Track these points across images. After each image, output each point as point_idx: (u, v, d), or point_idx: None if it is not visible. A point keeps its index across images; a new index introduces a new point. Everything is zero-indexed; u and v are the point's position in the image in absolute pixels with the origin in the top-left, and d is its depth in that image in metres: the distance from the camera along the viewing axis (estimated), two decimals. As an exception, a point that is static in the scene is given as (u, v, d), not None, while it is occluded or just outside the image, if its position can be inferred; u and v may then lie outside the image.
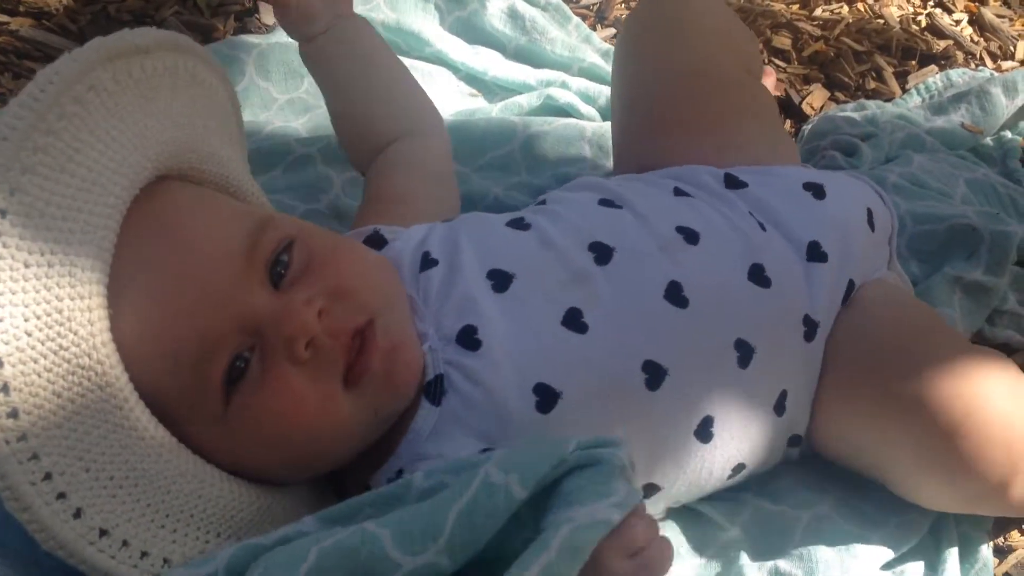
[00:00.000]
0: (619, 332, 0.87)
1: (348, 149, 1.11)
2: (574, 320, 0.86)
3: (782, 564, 0.90)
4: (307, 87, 1.32)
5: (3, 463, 0.69)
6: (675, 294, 0.89)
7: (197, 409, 0.78)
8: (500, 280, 0.88)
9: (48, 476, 0.71)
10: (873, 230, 1.02)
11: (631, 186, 1.00)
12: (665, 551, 0.72)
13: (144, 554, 0.76)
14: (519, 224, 0.94)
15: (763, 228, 0.95)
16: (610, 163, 1.29)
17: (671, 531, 0.95)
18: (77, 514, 0.73)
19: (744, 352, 0.89)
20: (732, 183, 1.00)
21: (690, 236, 0.93)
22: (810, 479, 0.99)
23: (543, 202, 1.00)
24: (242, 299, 0.78)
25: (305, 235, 0.84)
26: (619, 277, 0.89)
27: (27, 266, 0.71)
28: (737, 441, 0.91)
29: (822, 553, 0.91)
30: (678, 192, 0.98)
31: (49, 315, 0.72)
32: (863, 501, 0.98)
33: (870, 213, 1.02)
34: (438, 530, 0.69)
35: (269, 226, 0.82)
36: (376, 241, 0.93)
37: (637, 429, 0.85)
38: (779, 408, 0.92)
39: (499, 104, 1.34)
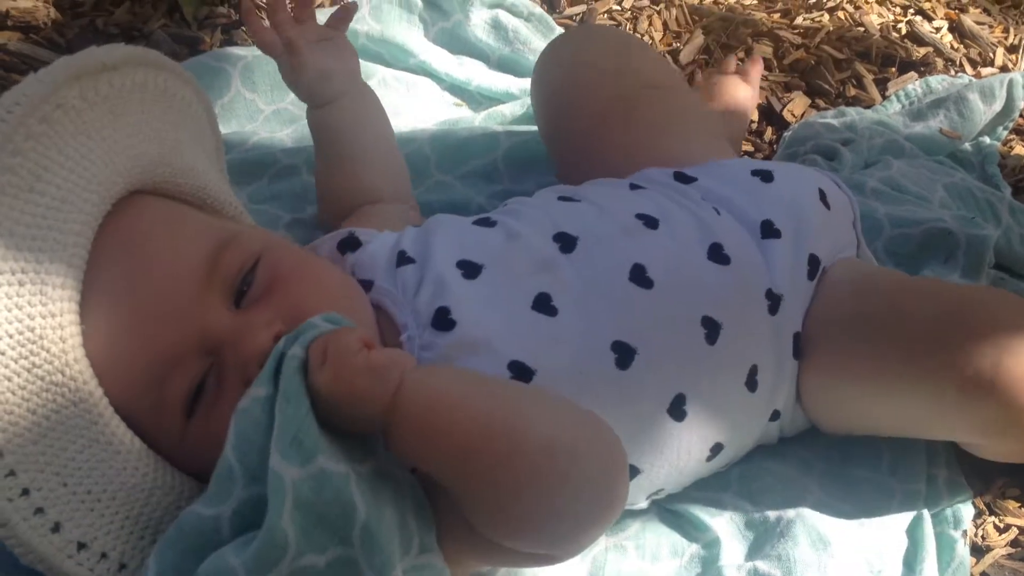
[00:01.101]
0: (587, 314, 0.88)
1: (324, 201, 1.13)
2: (544, 304, 0.88)
3: (761, 565, 0.91)
4: (292, 99, 1.33)
5: None
6: (640, 275, 0.91)
7: (162, 424, 0.79)
8: (469, 269, 0.89)
9: (25, 492, 0.73)
10: (828, 208, 1.03)
11: (588, 187, 1.03)
12: (343, 337, 0.73)
13: (123, 566, 0.77)
14: (486, 222, 0.96)
15: (717, 212, 0.98)
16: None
17: (652, 532, 0.96)
18: (55, 528, 0.74)
19: (711, 329, 0.91)
20: (682, 179, 1.03)
21: (649, 222, 0.95)
22: (789, 480, 1.00)
23: (506, 203, 1.03)
24: (199, 318, 0.79)
25: (271, 253, 0.84)
26: (585, 263, 0.91)
27: None
28: (711, 419, 0.92)
29: (800, 553, 0.92)
30: (633, 187, 1.02)
31: (21, 333, 0.73)
32: (842, 501, 1.00)
33: (822, 193, 1.04)
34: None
35: (232, 244, 0.82)
36: (351, 243, 0.95)
37: (611, 408, 0.85)
38: (751, 384, 0.94)
39: (483, 113, 1.36)
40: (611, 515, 0.76)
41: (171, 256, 0.80)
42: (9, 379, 0.72)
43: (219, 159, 0.98)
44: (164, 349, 0.78)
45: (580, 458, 0.73)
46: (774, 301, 0.96)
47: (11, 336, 0.72)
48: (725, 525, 0.96)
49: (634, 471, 0.90)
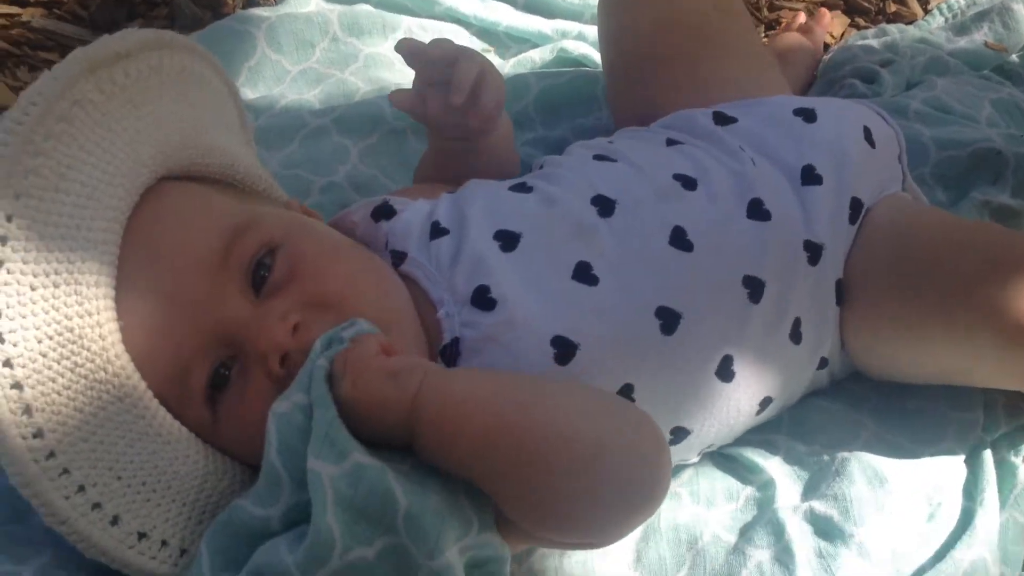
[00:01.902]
0: (629, 281, 0.87)
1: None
2: (584, 273, 0.86)
3: (817, 505, 0.90)
4: (319, 57, 1.32)
5: (35, 482, 0.72)
6: (680, 239, 0.89)
7: (192, 415, 0.79)
8: (507, 240, 0.88)
9: (81, 488, 0.74)
10: (873, 147, 1.01)
11: (623, 142, 1.00)
12: (361, 345, 0.74)
13: (183, 551, 0.78)
14: (521, 188, 0.94)
15: (754, 163, 0.96)
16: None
17: (705, 478, 0.95)
18: (114, 521, 0.75)
19: (754, 288, 0.90)
20: (721, 120, 1.00)
21: (687, 183, 0.93)
22: (842, 417, 0.99)
23: (541, 165, 1.01)
24: (216, 311, 0.78)
25: (294, 239, 0.82)
26: (623, 227, 0.89)
27: (33, 288, 0.72)
28: (759, 376, 0.91)
29: (857, 491, 0.91)
30: (670, 142, 0.99)
31: (60, 335, 0.73)
32: (897, 434, 0.98)
33: (867, 131, 1.01)
34: None
35: (249, 230, 0.81)
36: (385, 211, 0.93)
37: (658, 375, 0.86)
38: (795, 336, 0.93)
39: (512, 60, 1.33)
40: (650, 504, 0.75)
41: (187, 248, 0.79)
42: (53, 380, 0.73)
43: (244, 131, 0.97)
44: (181, 345, 0.77)
45: (607, 451, 0.72)
46: (814, 252, 0.94)
47: (51, 338, 0.73)
48: (779, 466, 0.95)
49: (684, 432, 0.89)
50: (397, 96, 0.97)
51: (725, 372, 0.89)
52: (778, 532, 0.89)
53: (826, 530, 0.89)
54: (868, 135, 1.01)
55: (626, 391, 0.86)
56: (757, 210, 0.92)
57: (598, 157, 0.97)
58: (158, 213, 0.80)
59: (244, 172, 0.90)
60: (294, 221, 0.87)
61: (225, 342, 0.79)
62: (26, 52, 1.33)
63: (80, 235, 0.75)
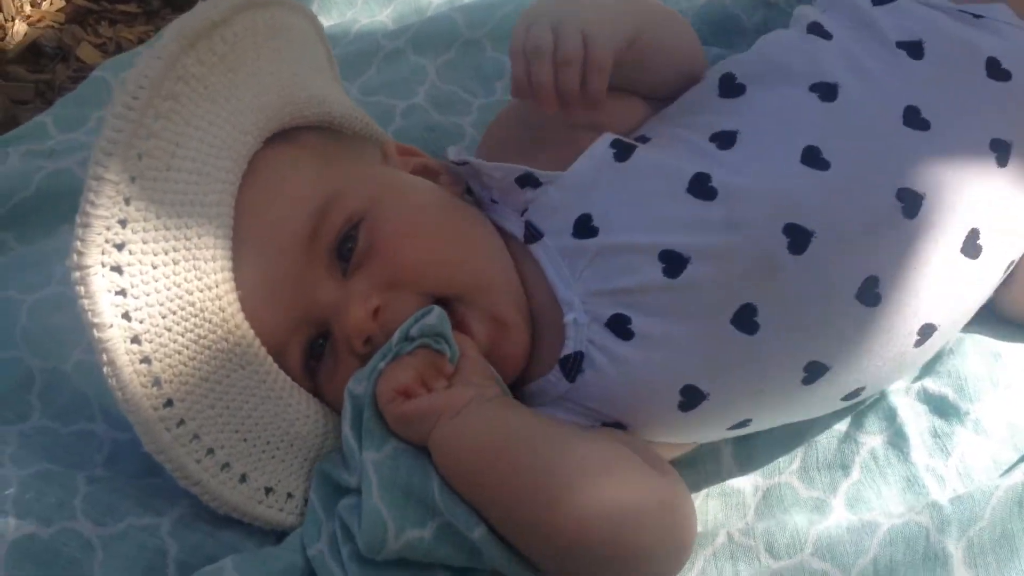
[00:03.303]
0: (793, 332, 0.81)
1: None
2: (745, 319, 0.80)
3: (929, 384, 0.89)
4: (388, -26, 1.31)
5: (168, 449, 0.76)
6: (869, 290, 0.81)
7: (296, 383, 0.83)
8: (671, 264, 0.80)
9: (210, 451, 0.78)
10: None
11: (849, 109, 0.86)
12: (381, 385, 0.77)
13: (307, 501, 0.82)
14: (703, 190, 0.82)
15: (1004, 163, 0.85)
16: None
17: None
18: (243, 479, 0.80)
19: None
20: (995, 72, 0.88)
21: (911, 205, 0.81)
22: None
23: (732, 136, 0.85)
24: (304, 294, 0.81)
25: (376, 211, 0.82)
26: (812, 272, 0.80)
27: (154, 267, 0.76)
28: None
29: (970, 367, 0.89)
30: (910, 119, 0.85)
31: (183, 309, 0.77)
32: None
33: None
34: None
35: (335, 206, 0.81)
36: (529, 181, 0.87)
37: (778, 413, 0.86)
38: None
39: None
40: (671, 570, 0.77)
41: (279, 228, 0.81)
42: (179, 352, 0.77)
43: (333, 69, 0.98)
44: (278, 322, 0.81)
45: (621, 528, 0.74)
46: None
47: (174, 313, 0.76)
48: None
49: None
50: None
51: (851, 396, 0.86)
52: (890, 416, 0.88)
53: (941, 409, 0.88)
54: None
55: (743, 423, 0.85)
56: (971, 244, 0.84)
57: (808, 156, 0.83)
58: (256, 191, 0.81)
59: (341, 116, 0.90)
60: (380, 185, 0.86)
61: (316, 322, 0.82)
62: (104, 7, 1.35)
63: (194, 211, 0.77)
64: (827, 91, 0.87)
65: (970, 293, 0.86)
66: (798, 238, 0.80)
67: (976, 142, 0.85)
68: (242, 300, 0.79)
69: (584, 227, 0.83)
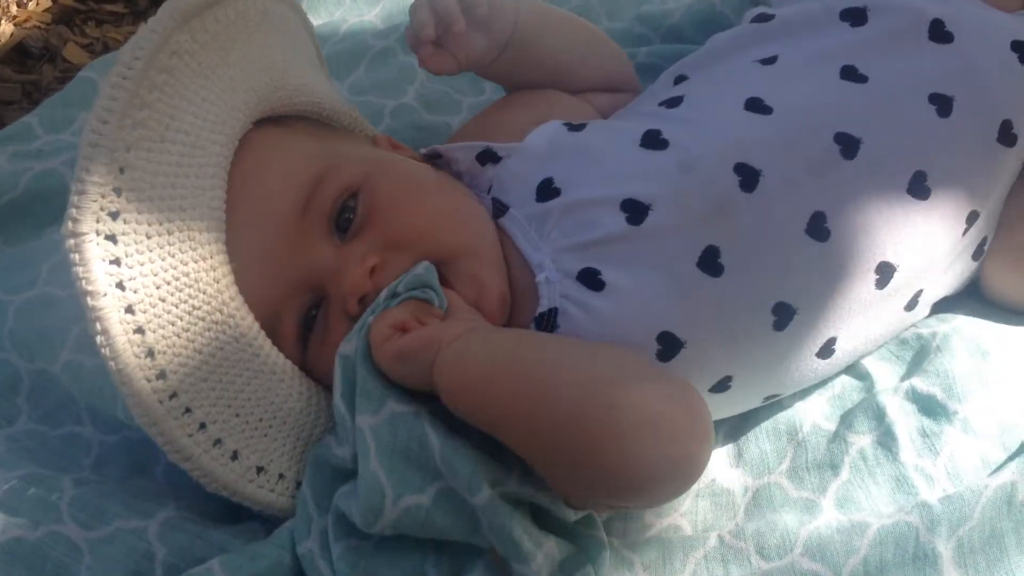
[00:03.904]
0: (757, 272, 0.83)
1: None
2: (710, 262, 0.82)
3: (918, 383, 0.89)
4: (375, -26, 1.31)
5: (160, 421, 0.76)
6: (818, 226, 0.84)
7: (288, 356, 0.82)
8: (635, 212, 0.82)
9: (202, 426, 0.78)
10: None
11: (789, 60, 0.92)
12: (376, 326, 0.77)
13: (299, 484, 0.82)
14: (655, 141, 0.87)
15: (946, 114, 0.88)
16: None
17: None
18: (234, 456, 0.79)
19: (884, 273, 0.86)
20: (938, 34, 0.91)
21: (849, 147, 0.85)
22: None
23: (679, 100, 0.92)
24: (299, 260, 0.81)
25: (372, 181, 0.83)
26: (764, 207, 0.83)
27: (148, 237, 0.76)
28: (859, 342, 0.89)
29: (959, 366, 0.89)
30: (847, 72, 0.89)
31: (177, 279, 0.76)
32: (998, 309, 0.96)
33: None
34: None
35: (330, 177, 0.82)
36: (489, 156, 0.90)
37: (758, 365, 0.85)
38: (911, 306, 0.90)
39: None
40: (687, 465, 0.72)
41: (273, 197, 0.81)
42: (173, 323, 0.76)
43: (323, 66, 0.99)
44: (273, 288, 0.80)
45: (625, 410, 0.70)
46: (971, 223, 0.90)
47: (168, 283, 0.76)
48: (876, 353, 0.94)
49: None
50: (428, 64, 0.95)
51: (826, 351, 0.87)
52: (879, 416, 0.88)
53: (929, 408, 0.88)
54: None
55: (724, 382, 0.84)
56: (919, 187, 0.87)
57: (751, 104, 0.88)
58: (249, 165, 0.82)
59: (330, 109, 0.91)
60: (374, 161, 0.88)
61: (311, 287, 0.82)
62: (91, 7, 1.35)
63: (189, 183, 0.78)
64: (767, 60, 0.92)
65: (928, 234, 0.87)
66: (748, 177, 0.83)
67: (913, 95, 0.89)
68: (235, 272, 0.79)
69: (547, 190, 0.86)
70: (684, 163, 0.85)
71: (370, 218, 0.83)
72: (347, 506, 0.76)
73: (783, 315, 0.83)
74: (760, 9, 1.01)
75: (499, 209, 0.88)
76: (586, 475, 0.71)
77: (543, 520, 0.77)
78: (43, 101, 1.15)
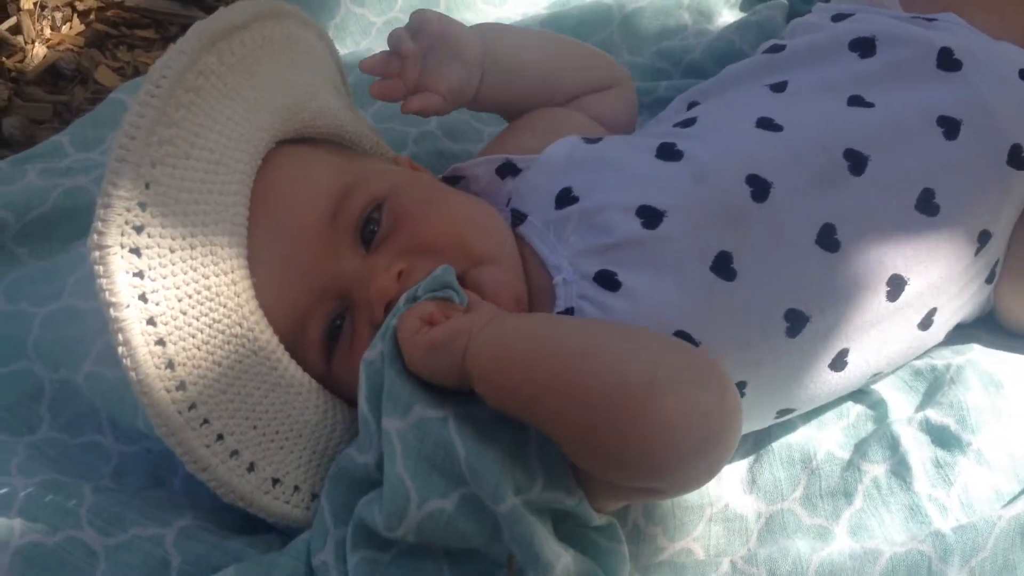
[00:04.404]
0: (769, 278, 0.84)
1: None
2: (723, 266, 0.84)
3: (932, 414, 0.90)
4: (401, 6, 1.33)
5: (179, 431, 0.77)
6: (827, 237, 0.86)
7: (310, 367, 0.83)
8: (650, 218, 0.85)
9: (220, 437, 0.78)
10: None
11: (800, 88, 0.95)
12: (403, 321, 0.77)
13: (315, 496, 0.83)
14: (670, 153, 0.90)
15: (953, 136, 0.90)
16: (712, 27, 1.26)
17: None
18: (251, 468, 0.80)
19: (895, 286, 0.87)
20: (946, 62, 0.94)
21: (857, 164, 0.88)
22: (955, 332, 0.97)
23: (692, 121, 0.95)
24: (326, 267, 0.82)
25: (396, 193, 0.85)
26: (775, 217, 0.85)
27: (172, 251, 0.77)
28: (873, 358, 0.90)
29: (972, 398, 0.90)
30: (854, 101, 0.92)
31: (199, 292, 0.78)
32: (1016, 339, 0.97)
33: None
34: None
35: (356, 189, 0.84)
36: (509, 169, 0.93)
37: (776, 373, 0.86)
38: (925, 325, 0.91)
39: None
40: (714, 452, 0.72)
41: (300, 212, 0.83)
42: (193, 336, 0.77)
43: (347, 93, 1.00)
44: (296, 302, 0.82)
45: (660, 389, 0.69)
46: (983, 242, 0.91)
47: (190, 296, 0.77)
48: (889, 382, 0.94)
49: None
50: (412, 107, 0.97)
51: (839, 363, 0.88)
52: (893, 445, 0.88)
53: (943, 439, 0.88)
54: None
55: (739, 387, 0.84)
56: (927, 203, 0.88)
57: (762, 123, 0.91)
58: (275, 178, 0.84)
59: (352, 132, 0.93)
60: (398, 176, 0.90)
61: (337, 295, 0.83)
62: (123, 32, 1.38)
63: (212, 199, 0.79)
64: (777, 86, 0.95)
65: (938, 250, 0.89)
66: (759, 187, 0.86)
67: (921, 118, 0.91)
68: (257, 285, 0.80)
69: (565, 199, 0.88)
70: (698, 174, 0.87)
71: (396, 227, 0.84)
72: (369, 513, 0.76)
73: (796, 322, 0.84)
74: (773, 41, 1.04)
75: (518, 218, 0.90)
76: (624, 449, 0.70)
77: (564, 534, 0.78)
78: (74, 121, 1.17)
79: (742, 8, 1.31)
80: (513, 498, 0.73)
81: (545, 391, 0.73)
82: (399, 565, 0.77)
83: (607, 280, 0.84)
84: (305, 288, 0.82)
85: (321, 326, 0.83)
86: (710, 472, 0.74)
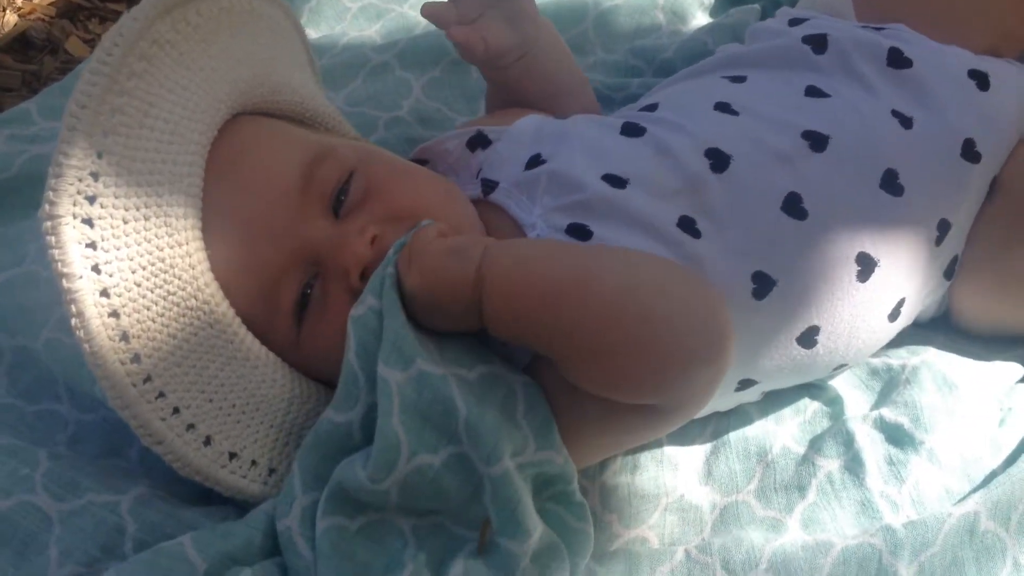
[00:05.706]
0: (732, 242, 0.86)
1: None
2: (688, 227, 0.86)
3: (887, 413, 0.91)
4: (377, -9, 1.33)
5: (133, 404, 0.76)
6: (794, 205, 0.87)
7: (276, 336, 0.82)
8: (615, 183, 0.87)
9: (176, 410, 0.77)
10: None
11: (756, 83, 0.97)
12: (420, 233, 0.78)
13: (272, 471, 0.82)
14: (634, 130, 0.93)
15: (908, 127, 0.92)
16: (686, 28, 1.27)
17: (771, 395, 0.96)
18: (207, 442, 0.79)
19: (865, 265, 0.88)
20: (896, 61, 0.96)
21: (817, 142, 0.90)
22: (910, 331, 0.98)
23: (654, 106, 0.98)
24: (298, 232, 0.81)
25: (366, 165, 0.85)
26: (735, 186, 0.87)
27: (125, 222, 0.76)
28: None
29: (927, 398, 0.91)
30: (811, 91, 0.95)
31: (153, 264, 0.77)
32: (969, 341, 0.99)
33: None
34: None
35: (328, 158, 0.84)
36: (480, 140, 0.95)
37: (743, 338, 0.85)
38: (894, 316, 0.92)
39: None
40: (713, 353, 0.76)
41: (269, 174, 0.82)
42: (148, 308, 0.76)
43: (313, 71, 1.00)
44: (269, 263, 0.81)
45: (664, 295, 0.75)
46: (943, 232, 0.93)
47: (144, 268, 0.76)
48: (846, 379, 0.96)
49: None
50: (458, 36, 0.97)
51: (808, 340, 0.89)
52: (848, 442, 0.90)
53: (896, 437, 0.90)
54: None
55: None
56: (891, 183, 0.90)
57: (720, 107, 0.93)
58: (237, 146, 0.83)
59: (313, 110, 0.92)
60: (366, 149, 0.90)
61: (309, 260, 0.82)
62: (95, 4, 1.36)
63: (166, 169, 0.78)
64: (736, 78, 0.98)
65: (904, 232, 0.90)
66: (718, 160, 0.88)
67: (877, 108, 0.93)
68: (224, 254, 0.79)
69: (535, 163, 0.90)
70: (659, 148, 0.90)
71: (367, 196, 0.84)
72: (350, 472, 0.75)
73: (762, 284, 0.86)
74: (733, 45, 1.06)
75: (488, 187, 0.90)
76: (632, 357, 0.74)
77: (536, 509, 0.78)
78: (42, 90, 1.16)
79: (712, 14, 1.32)
80: (508, 460, 0.74)
81: (561, 297, 0.74)
82: (366, 535, 0.77)
83: (579, 232, 0.85)
84: (275, 252, 0.81)
85: (293, 292, 0.82)
86: (709, 385, 0.78)
